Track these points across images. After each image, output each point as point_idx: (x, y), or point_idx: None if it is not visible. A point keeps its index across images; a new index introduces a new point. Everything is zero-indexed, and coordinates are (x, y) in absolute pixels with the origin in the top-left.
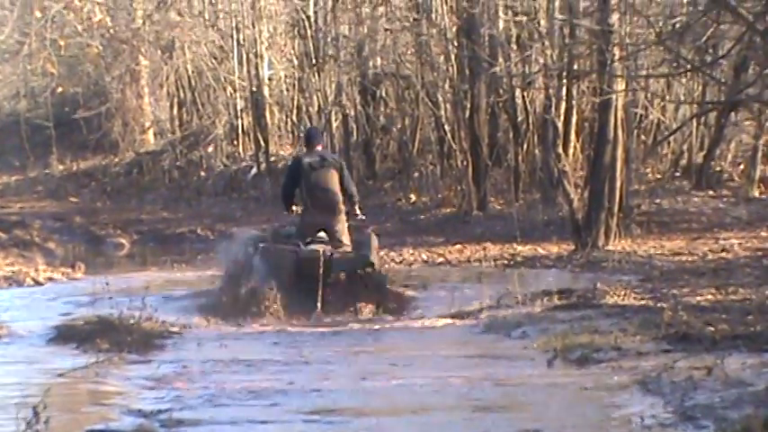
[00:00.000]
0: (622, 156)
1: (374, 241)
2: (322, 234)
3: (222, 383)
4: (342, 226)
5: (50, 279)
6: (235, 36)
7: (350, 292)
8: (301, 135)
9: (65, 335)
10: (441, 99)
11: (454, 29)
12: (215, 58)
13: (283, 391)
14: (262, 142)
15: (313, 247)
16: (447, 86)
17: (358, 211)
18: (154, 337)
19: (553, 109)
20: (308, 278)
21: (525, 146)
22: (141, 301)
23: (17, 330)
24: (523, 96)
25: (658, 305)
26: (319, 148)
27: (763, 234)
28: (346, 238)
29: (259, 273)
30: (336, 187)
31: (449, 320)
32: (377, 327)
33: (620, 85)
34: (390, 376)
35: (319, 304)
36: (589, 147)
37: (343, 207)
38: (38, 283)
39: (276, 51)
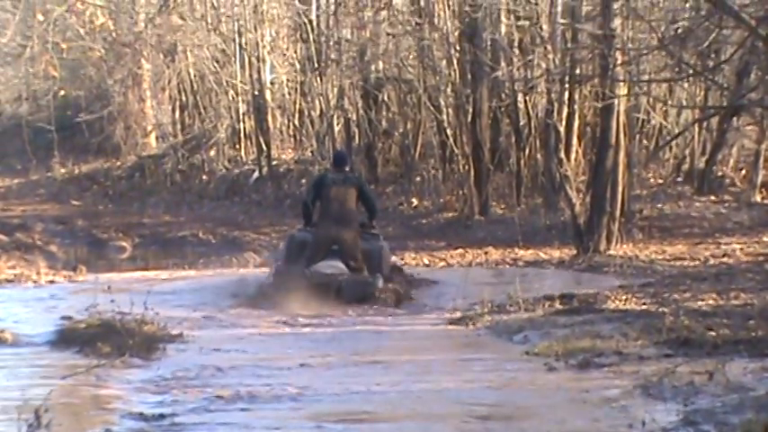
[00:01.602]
0: (624, 160)
1: (386, 253)
2: (335, 247)
3: (224, 387)
4: (353, 239)
5: (52, 282)
6: (237, 40)
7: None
8: (303, 139)
9: (67, 338)
10: (443, 103)
11: (456, 33)
12: (217, 62)
13: (285, 397)
14: (264, 146)
15: (325, 269)
16: (449, 91)
17: (374, 224)
18: (156, 341)
19: (555, 113)
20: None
21: (527, 150)
22: (144, 304)
23: (19, 334)
24: (525, 101)
25: (660, 310)
26: (346, 169)
27: (765, 239)
28: (357, 251)
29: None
30: (352, 204)
31: (450, 325)
32: (381, 328)
33: (622, 89)
34: (392, 381)
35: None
36: (591, 151)
37: (356, 222)
38: (39, 286)
39: (278, 55)
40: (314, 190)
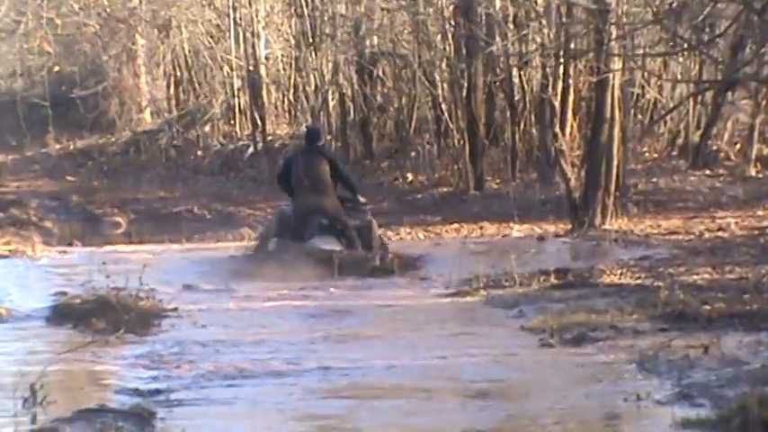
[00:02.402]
0: (619, 135)
1: (375, 228)
2: (324, 221)
3: (220, 363)
4: (333, 205)
5: (47, 257)
6: (231, 15)
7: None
8: (298, 114)
9: (62, 314)
10: (438, 78)
11: (451, 8)
12: (211, 37)
13: (280, 372)
14: (258, 121)
15: (322, 244)
16: (444, 66)
17: (361, 198)
18: (151, 316)
19: (550, 88)
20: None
21: (522, 125)
22: (139, 279)
23: (13, 309)
24: (520, 75)
25: (655, 284)
26: (318, 145)
27: (760, 213)
28: (341, 215)
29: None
30: (326, 174)
31: (445, 298)
32: (377, 302)
33: (616, 64)
34: (387, 356)
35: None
36: (586, 126)
37: (332, 190)
38: (34, 262)
39: (273, 30)
40: (285, 168)
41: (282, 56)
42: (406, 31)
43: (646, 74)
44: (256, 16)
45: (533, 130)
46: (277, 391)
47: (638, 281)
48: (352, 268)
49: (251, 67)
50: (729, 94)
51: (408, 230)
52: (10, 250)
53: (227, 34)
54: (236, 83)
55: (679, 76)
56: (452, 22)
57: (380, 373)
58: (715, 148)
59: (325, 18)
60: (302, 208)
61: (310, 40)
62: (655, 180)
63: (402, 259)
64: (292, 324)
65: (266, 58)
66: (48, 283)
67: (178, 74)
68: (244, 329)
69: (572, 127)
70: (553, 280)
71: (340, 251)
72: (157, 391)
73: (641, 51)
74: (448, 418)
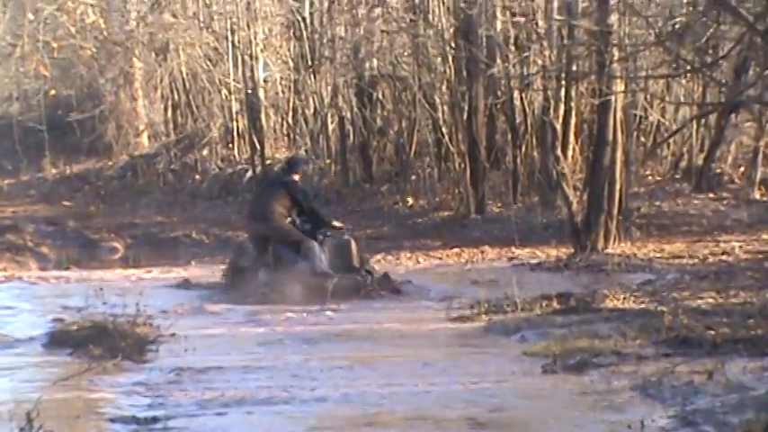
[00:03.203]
0: (622, 158)
1: (353, 247)
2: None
3: (216, 390)
4: (273, 231)
5: (43, 283)
6: (229, 38)
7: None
8: (297, 137)
9: (58, 340)
10: (438, 101)
11: (451, 30)
12: (210, 60)
13: (279, 400)
14: (257, 145)
15: (319, 265)
16: (444, 88)
17: (336, 224)
18: (148, 342)
19: (552, 111)
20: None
21: (524, 148)
22: (136, 305)
23: (9, 335)
24: (522, 98)
25: (659, 309)
26: (296, 177)
27: (765, 237)
28: (287, 238)
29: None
30: (275, 202)
31: (447, 324)
32: (374, 326)
33: (619, 86)
34: (387, 383)
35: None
36: (588, 149)
37: (274, 217)
38: (31, 287)
39: (271, 53)
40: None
41: (281, 79)
42: (405, 54)
43: (648, 96)
44: (255, 39)
45: (535, 153)
46: (275, 419)
47: (642, 305)
48: (342, 290)
49: (249, 91)
50: (733, 116)
51: (409, 255)
52: (6, 276)
53: (226, 57)
54: (235, 106)
55: (682, 99)
56: (453, 45)
57: (378, 401)
58: (719, 170)
59: (324, 41)
60: (248, 232)
61: (309, 63)
62: (658, 203)
63: (400, 284)
64: (288, 350)
65: (265, 81)
66: (44, 309)
67: (176, 97)
68: (240, 356)
69: (574, 150)
70: (555, 305)
71: (332, 275)
72: (155, 419)
73: (644, 73)
74: None
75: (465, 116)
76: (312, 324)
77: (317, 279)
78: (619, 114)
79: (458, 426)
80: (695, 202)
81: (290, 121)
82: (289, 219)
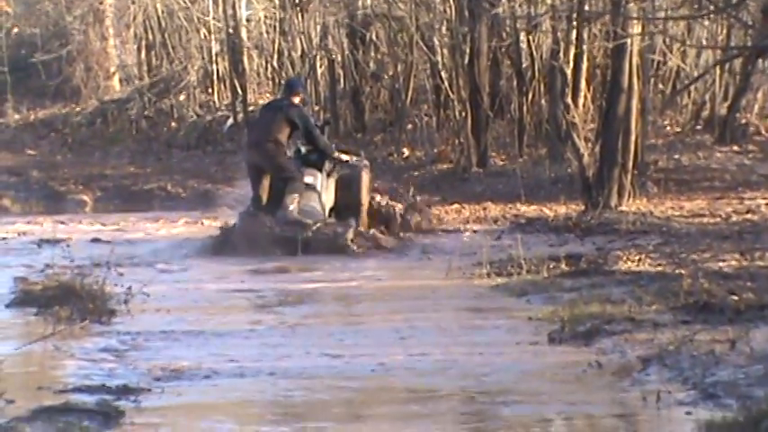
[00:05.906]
0: (638, 107)
1: (364, 181)
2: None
3: (187, 355)
4: (269, 157)
5: (4, 239)
6: None
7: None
8: (283, 82)
9: (23, 300)
10: (437, 43)
11: None
12: None
13: (253, 368)
14: (239, 90)
15: (291, 214)
16: (444, 29)
17: (345, 158)
18: (117, 304)
19: (561, 54)
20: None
21: (530, 95)
22: (105, 263)
23: None
24: (529, 41)
25: (677, 272)
26: (296, 99)
27: None
28: (282, 171)
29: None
30: (276, 129)
31: (443, 285)
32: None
33: (635, 28)
34: (385, 352)
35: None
36: (601, 97)
37: (274, 145)
38: None
39: None
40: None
41: (265, 17)
42: None
43: (667, 39)
44: None
45: (543, 101)
46: (249, 387)
47: (658, 268)
48: (322, 245)
49: (231, 30)
50: (760, 61)
51: None
52: None
53: None
54: (215, 47)
55: (704, 42)
56: None
57: (374, 371)
58: (744, 121)
59: None
60: (247, 162)
61: (296, 1)
62: (677, 157)
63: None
64: (268, 312)
65: (248, 20)
66: (6, 267)
67: (150, 37)
68: (216, 318)
69: (585, 98)
70: (564, 267)
71: (307, 226)
72: (125, 386)
73: (663, 14)
74: (443, 427)
75: (466, 60)
76: (286, 282)
77: (288, 229)
78: (635, 59)
79: (462, 398)
80: (718, 155)
81: (274, 64)
82: (293, 148)
